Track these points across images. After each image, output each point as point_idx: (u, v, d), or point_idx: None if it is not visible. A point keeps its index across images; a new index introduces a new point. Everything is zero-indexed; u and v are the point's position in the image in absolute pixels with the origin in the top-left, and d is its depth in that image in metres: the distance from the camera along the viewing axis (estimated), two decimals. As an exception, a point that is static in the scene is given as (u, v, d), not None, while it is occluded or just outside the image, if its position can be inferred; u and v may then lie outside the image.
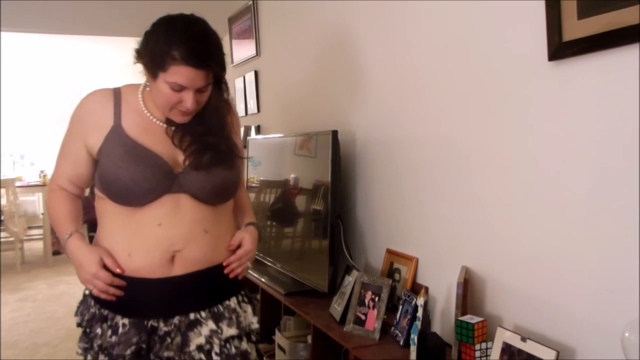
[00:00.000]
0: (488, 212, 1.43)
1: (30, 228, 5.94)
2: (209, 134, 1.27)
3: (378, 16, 1.88)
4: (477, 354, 1.31)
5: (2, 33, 3.79)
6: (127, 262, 1.22)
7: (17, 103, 7.79)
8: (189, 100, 1.17)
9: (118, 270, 1.21)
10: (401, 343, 1.56)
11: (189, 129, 1.26)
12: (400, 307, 1.62)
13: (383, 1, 1.84)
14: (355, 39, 2.04)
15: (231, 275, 1.31)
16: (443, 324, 1.60)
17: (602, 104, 1.11)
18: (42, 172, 6.62)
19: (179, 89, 1.15)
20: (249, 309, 1.36)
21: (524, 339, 1.20)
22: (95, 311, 1.27)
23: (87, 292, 1.30)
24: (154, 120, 1.27)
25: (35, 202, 6.61)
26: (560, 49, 1.17)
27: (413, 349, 1.44)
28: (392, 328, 1.65)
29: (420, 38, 1.67)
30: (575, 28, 1.13)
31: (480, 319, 1.34)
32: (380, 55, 1.89)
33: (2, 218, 5.38)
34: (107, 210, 1.26)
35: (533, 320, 1.29)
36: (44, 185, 6.12)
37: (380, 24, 1.87)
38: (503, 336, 1.26)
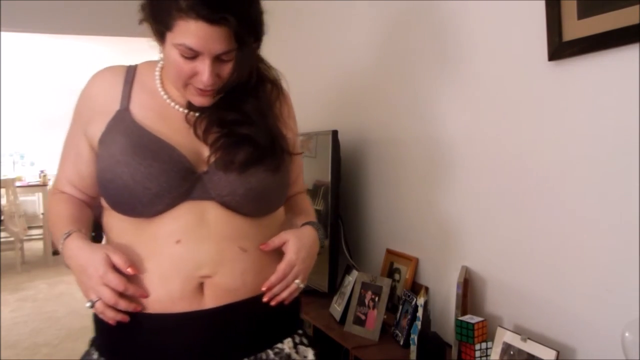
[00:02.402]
0: (488, 212, 1.43)
1: (30, 228, 5.96)
2: (243, 123, 0.95)
3: (377, 17, 1.88)
4: (477, 354, 1.31)
5: (2, 33, 3.79)
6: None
7: (17, 103, 7.81)
8: (205, 72, 0.87)
9: (129, 271, 0.88)
10: (401, 343, 1.56)
11: (217, 115, 0.96)
12: (400, 307, 1.62)
13: (375, 2, 1.85)
14: (355, 39, 2.04)
15: (272, 303, 0.96)
16: (443, 324, 1.60)
17: (602, 104, 1.11)
18: (42, 172, 6.64)
19: (192, 55, 0.87)
20: (309, 353, 1.03)
21: (524, 339, 1.20)
22: None
23: (96, 322, 0.96)
24: (173, 104, 0.98)
25: (35, 202, 6.63)
26: (560, 49, 1.17)
27: (413, 349, 1.44)
28: (392, 328, 1.65)
29: (419, 38, 1.67)
30: (575, 28, 1.13)
31: (480, 319, 1.34)
32: (380, 55, 1.89)
33: (2, 218, 5.38)
34: (113, 226, 0.97)
35: (533, 320, 1.29)
36: (44, 185, 6.14)
37: (380, 25, 1.87)
38: (503, 336, 1.25)
